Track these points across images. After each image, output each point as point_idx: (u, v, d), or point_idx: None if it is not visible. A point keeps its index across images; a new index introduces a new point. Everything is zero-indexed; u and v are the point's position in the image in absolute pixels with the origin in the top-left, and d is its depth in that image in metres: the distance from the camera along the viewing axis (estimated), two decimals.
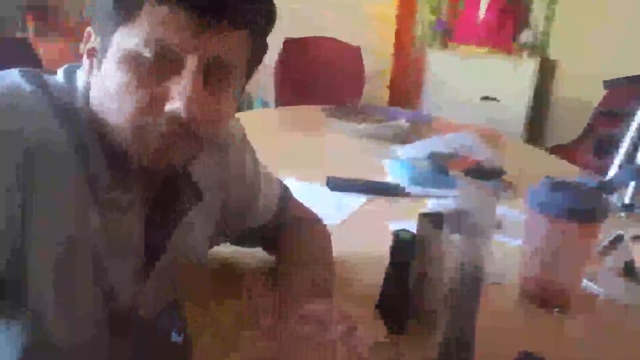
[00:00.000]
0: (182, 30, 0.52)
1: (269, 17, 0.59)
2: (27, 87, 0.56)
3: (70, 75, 0.61)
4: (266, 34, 0.60)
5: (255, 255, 0.90)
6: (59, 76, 0.61)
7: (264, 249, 0.91)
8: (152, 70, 0.53)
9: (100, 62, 0.56)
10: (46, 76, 0.60)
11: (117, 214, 0.60)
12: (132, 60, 0.53)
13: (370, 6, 3.36)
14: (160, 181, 0.65)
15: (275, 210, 0.87)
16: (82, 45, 0.59)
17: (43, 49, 2.37)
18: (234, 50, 0.56)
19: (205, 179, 0.70)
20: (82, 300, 0.59)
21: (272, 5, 0.58)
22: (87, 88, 0.58)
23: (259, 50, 0.61)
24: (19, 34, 3.24)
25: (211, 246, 0.81)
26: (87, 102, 0.58)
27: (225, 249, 0.87)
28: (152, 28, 0.52)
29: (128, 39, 0.53)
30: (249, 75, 0.62)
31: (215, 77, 0.56)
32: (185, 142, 0.56)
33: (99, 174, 0.57)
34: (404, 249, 0.73)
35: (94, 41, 0.57)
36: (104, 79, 0.55)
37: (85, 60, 0.58)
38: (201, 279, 0.79)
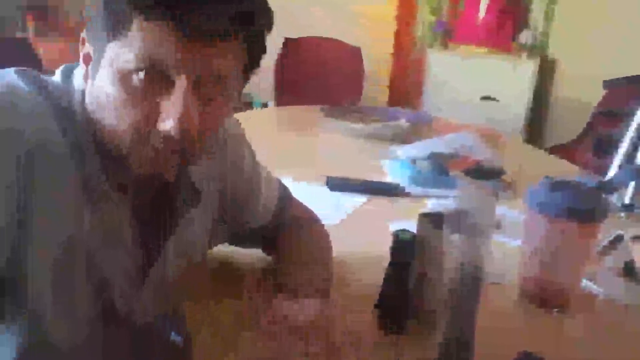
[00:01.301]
0: (172, 48, 0.51)
1: (265, 22, 0.58)
2: (25, 87, 0.56)
3: (67, 75, 0.61)
4: (264, 37, 0.60)
5: (254, 255, 0.90)
6: (57, 76, 0.61)
7: (263, 250, 0.91)
8: (143, 88, 0.53)
9: (94, 72, 0.56)
10: (43, 76, 0.60)
11: (111, 214, 0.60)
12: (124, 78, 0.53)
13: (371, 6, 3.36)
14: (157, 185, 0.65)
15: (274, 210, 0.87)
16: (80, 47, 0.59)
17: (43, 49, 2.37)
18: (227, 60, 0.55)
19: (203, 177, 0.70)
20: (80, 300, 0.59)
21: (268, 9, 0.57)
22: (84, 91, 0.58)
23: (257, 53, 0.60)
24: (19, 34, 3.24)
25: (211, 245, 0.81)
26: (84, 104, 0.58)
27: (225, 249, 0.87)
28: (142, 45, 0.51)
29: (120, 54, 0.52)
30: (247, 78, 0.62)
31: (209, 86, 0.55)
32: (180, 154, 0.56)
33: (93, 175, 0.57)
34: (404, 249, 0.73)
35: (89, 48, 0.57)
36: (98, 90, 0.55)
37: (82, 65, 0.58)
38: (199, 278, 0.79)
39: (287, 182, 0.93)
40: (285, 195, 0.90)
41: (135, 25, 0.51)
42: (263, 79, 2.80)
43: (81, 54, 0.58)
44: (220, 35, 0.53)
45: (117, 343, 0.63)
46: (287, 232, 0.88)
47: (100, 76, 0.54)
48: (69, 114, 0.57)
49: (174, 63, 0.52)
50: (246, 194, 0.81)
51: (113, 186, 0.59)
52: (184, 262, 0.70)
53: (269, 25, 0.58)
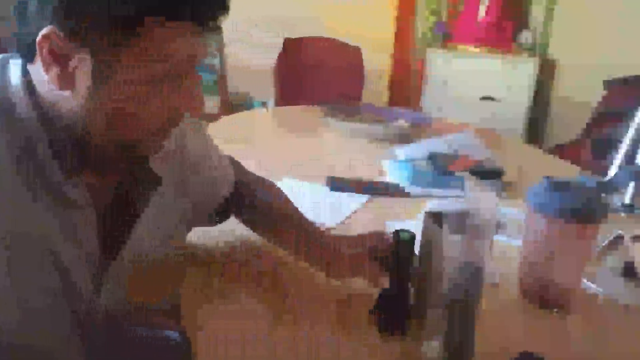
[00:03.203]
0: (186, 43, 0.56)
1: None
2: None
3: (2, 66, 0.60)
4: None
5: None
6: None
7: (239, 219, 0.93)
8: (163, 83, 0.57)
9: (99, 84, 0.55)
10: None
11: (69, 208, 0.60)
12: (144, 79, 0.55)
13: (371, 7, 3.36)
14: (116, 172, 0.67)
15: (233, 177, 0.90)
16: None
17: None
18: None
19: (162, 162, 0.71)
20: (33, 297, 0.58)
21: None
22: (31, 83, 0.58)
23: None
24: None
25: (190, 229, 0.84)
26: (30, 95, 0.57)
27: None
28: (158, 44, 0.54)
29: (133, 59, 0.54)
30: None
31: None
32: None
33: (45, 165, 0.57)
34: (404, 249, 0.73)
35: (69, 50, 0.54)
36: (109, 97, 0.56)
37: (52, 67, 0.55)
38: (178, 264, 0.80)
39: (290, 181, 0.93)
40: (232, 159, 0.94)
41: (147, 26, 0.53)
42: (263, 79, 2.82)
43: (45, 53, 0.54)
44: (214, 25, 0.58)
45: (85, 339, 0.63)
46: (259, 199, 0.92)
47: (111, 84, 0.55)
48: (10, 110, 0.57)
49: (193, 57, 0.58)
50: (213, 173, 0.85)
51: (69, 176, 0.59)
52: (151, 247, 0.71)
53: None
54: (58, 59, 0.54)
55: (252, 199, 0.91)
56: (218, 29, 0.58)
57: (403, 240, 0.73)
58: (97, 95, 0.56)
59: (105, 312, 0.65)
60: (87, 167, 0.61)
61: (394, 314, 0.74)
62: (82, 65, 0.54)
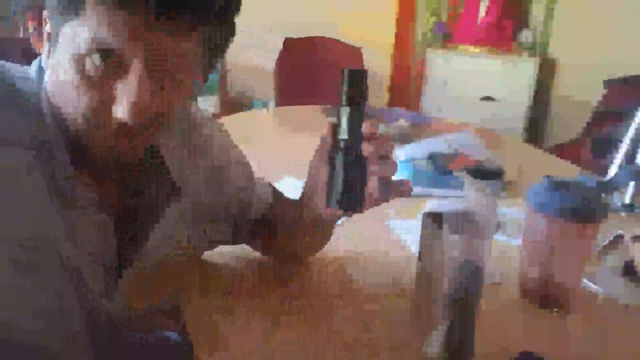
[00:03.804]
0: (125, 31, 0.50)
1: (229, 6, 0.56)
2: None
3: (41, 70, 0.60)
4: (227, 20, 0.58)
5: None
6: (32, 69, 0.60)
7: (252, 244, 0.88)
8: (98, 72, 0.52)
9: (52, 52, 0.54)
10: (15, 70, 0.59)
11: (83, 215, 0.59)
12: (78, 61, 0.52)
13: (371, 7, 3.36)
14: (132, 178, 0.64)
15: (271, 200, 0.85)
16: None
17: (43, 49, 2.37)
18: (184, 44, 0.53)
19: (185, 180, 0.69)
20: (43, 297, 0.56)
21: (224, 3, 0.55)
22: (42, 74, 0.57)
23: (219, 36, 0.58)
24: (19, 34, 3.23)
25: (213, 245, 0.81)
26: (39, 89, 0.57)
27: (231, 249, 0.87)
28: (96, 28, 0.50)
29: (74, 36, 0.51)
30: (211, 62, 0.60)
31: (164, 70, 0.54)
32: (138, 137, 0.56)
33: (61, 170, 0.56)
34: (356, 84, 0.63)
35: (49, 28, 0.55)
36: (55, 70, 0.54)
37: (45, 44, 0.57)
38: (189, 276, 0.79)
39: (290, 181, 0.93)
40: (275, 187, 0.88)
41: (89, 6, 0.50)
42: (263, 79, 2.82)
43: (45, 34, 0.56)
44: (175, 17, 0.51)
45: (98, 343, 0.62)
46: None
47: (57, 56, 0.53)
48: (38, 111, 0.56)
49: (128, 46, 0.51)
50: (247, 189, 0.81)
51: (87, 180, 0.59)
52: (163, 256, 0.69)
53: (233, 9, 0.57)
54: (41, 32, 0.55)
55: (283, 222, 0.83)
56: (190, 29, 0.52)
57: (351, 71, 0.64)
58: (49, 68, 0.55)
59: (116, 316, 0.64)
60: (84, 166, 0.59)
61: (355, 178, 0.63)
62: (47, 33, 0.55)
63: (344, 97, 0.63)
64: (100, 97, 0.52)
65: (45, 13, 0.56)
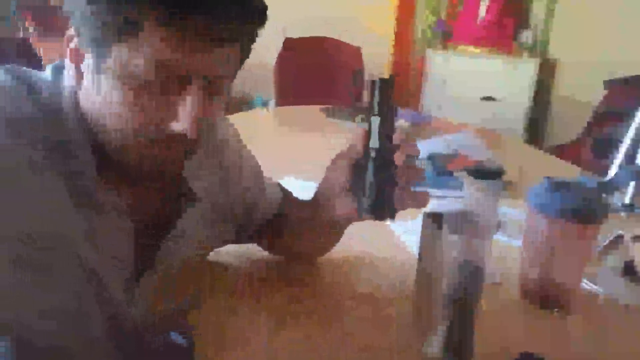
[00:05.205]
0: (187, 51, 0.52)
1: (262, 20, 0.58)
2: (10, 83, 0.56)
3: (58, 73, 0.60)
4: (265, 22, 0.60)
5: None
6: (47, 73, 0.61)
7: (260, 243, 0.89)
8: (155, 91, 0.54)
9: (93, 74, 0.55)
10: (33, 73, 0.60)
11: (104, 218, 0.59)
12: (134, 81, 0.53)
13: (371, 6, 3.36)
14: (154, 186, 0.65)
15: (280, 202, 0.87)
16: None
17: (43, 49, 2.37)
18: (232, 61, 0.57)
19: (202, 181, 0.70)
20: (62, 299, 0.56)
21: (264, 6, 0.57)
22: (75, 89, 0.58)
23: (249, 47, 0.61)
24: (19, 34, 3.24)
25: (219, 244, 0.82)
26: (75, 102, 0.58)
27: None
28: (155, 49, 0.51)
29: (128, 57, 0.52)
30: (242, 65, 0.63)
31: (214, 86, 0.57)
32: (182, 151, 0.59)
33: (84, 172, 0.57)
34: (386, 93, 0.63)
35: (80, 47, 0.55)
36: (100, 92, 0.55)
37: (70, 65, 0.57)
38: (200, 277, 0.79)
39: (290, 181, 0.93)
40: (284, 187, 0.90)
41: (147, 28, 0.51)
42: (263, 79, 2.81)
43: (68, 51, 0.57)
44: (229, 36, 0.54)
45: (114, 347, 0.62)
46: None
47: (103, 79, 0.54)
48: (55, 111, 0.57)
49: (190, 65, 0.53)
50: (256, 191, 0.82)
51: (108, 184, 0.59)
52: (180, 260, 0.70)
53: (265, 20, 0.59)
54: (76, 57, 0.56)
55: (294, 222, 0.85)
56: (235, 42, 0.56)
57: (382, 80, 0.64)
58: (94, 91, 0.55)
59: (139, 320, 0.64)
60: (109, 172, 0.59)
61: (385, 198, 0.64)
62: (88, 62, 0.55)
63: (375, 107, 0.64)
64: (160, 114, 0.54)
65: (71, 32, 0.56)
